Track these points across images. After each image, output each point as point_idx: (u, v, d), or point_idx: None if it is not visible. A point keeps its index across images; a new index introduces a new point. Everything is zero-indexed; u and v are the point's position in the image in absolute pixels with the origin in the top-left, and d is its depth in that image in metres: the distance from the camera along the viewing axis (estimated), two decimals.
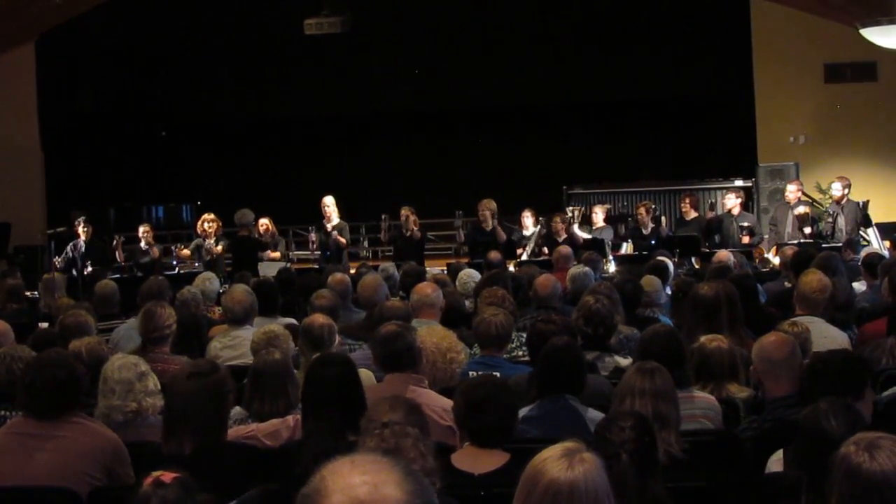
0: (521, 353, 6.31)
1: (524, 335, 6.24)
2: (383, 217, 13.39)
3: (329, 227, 13.18)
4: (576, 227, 13.21)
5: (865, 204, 12.68)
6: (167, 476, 3.16)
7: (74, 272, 12.16)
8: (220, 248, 12.81)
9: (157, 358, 6.04)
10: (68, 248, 13.02)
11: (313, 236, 13.06)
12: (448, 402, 4.66)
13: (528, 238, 13.08)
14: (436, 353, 5.35)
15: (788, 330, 5.25)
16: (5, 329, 6.37)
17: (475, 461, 4.11)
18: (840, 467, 2.78)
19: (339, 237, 13.09)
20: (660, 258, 9.84)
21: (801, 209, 12.82)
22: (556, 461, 2.73)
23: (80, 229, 13.30)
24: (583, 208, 14.39)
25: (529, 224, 13.22)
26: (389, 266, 10.41)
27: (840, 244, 11.59)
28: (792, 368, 4.66)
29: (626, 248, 12.88)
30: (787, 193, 13.34)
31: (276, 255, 12.85)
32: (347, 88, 17.83)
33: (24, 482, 4.25)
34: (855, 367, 4.35)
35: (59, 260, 12.70)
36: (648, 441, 3.52)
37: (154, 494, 3.13)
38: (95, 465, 4.34)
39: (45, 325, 7.99)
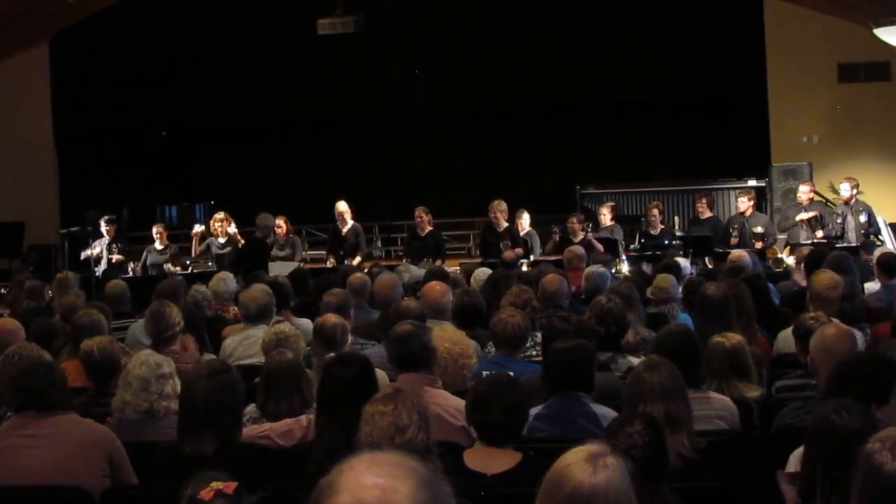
0: (534, 353, 6.30)
1: (538, 335, 6.22)
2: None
3: (344, 230, 13.19)
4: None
5: (870, 216, 12.58)
6: (206, 494, 3.06)
7: (98, 272, 12.18)
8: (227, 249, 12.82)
9: (170, 356, 6.04)
10: (95, 247, 13.02)
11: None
12: (460, 403, 4.65)
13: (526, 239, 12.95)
14: (448, 359, 5.33)
15: (812, 323, 5.24)
16: (15, 327, 6.39)
17: (487, 461, 4.10)
18: (863, 465, 2.80)
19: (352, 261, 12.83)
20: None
21: (806, 215, 12.80)
22: (580, 466, 2.68)
23: (104, 228, 13.35)
24: (592, 210, 14.32)
25: (526, 225, 13.14)
26: (403, 268, 10.42)
27: (850, 245, 11.55)
28: None
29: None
30: (799, 194, 13.30)
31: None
32: (360, 88, 17.78)
33: (24, 481, 4.26)
34: (883, 370, 4.23)
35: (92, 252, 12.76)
36: (657, 445, 3.50)
37: None
38: (95, 455, 4.36)
39: None
